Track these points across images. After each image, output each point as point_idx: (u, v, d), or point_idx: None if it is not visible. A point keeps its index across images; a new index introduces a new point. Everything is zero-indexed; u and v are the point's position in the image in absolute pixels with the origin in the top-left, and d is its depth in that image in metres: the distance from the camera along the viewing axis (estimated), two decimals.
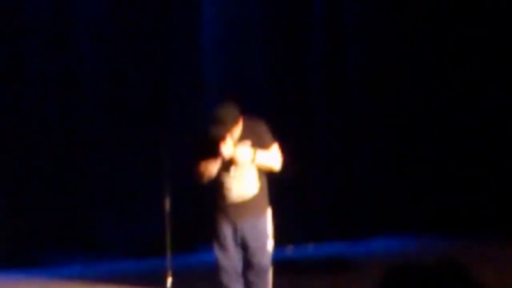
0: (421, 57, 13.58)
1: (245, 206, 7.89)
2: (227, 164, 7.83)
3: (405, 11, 13.45)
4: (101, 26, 12.03)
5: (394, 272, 3.84)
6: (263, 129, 8.15)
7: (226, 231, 7.95)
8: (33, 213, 11.77)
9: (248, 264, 7.97)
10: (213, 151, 8.05)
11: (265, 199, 7.95)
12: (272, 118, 8.38)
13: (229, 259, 8.03)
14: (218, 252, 8.06)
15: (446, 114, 13.23)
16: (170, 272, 9.69)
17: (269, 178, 8.05)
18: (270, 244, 8.05)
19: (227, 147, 7.76)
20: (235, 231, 7.94)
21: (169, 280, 9.66)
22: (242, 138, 7.85)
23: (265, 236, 7.96)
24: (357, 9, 12.93)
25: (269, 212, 8.00)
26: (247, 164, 7.83)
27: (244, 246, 7.94)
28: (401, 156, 13.24)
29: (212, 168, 7.82)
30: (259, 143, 7.87)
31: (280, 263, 9.27)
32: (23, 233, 11.73)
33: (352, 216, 12.91)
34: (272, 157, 7.90)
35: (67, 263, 11.82)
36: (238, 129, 7.77)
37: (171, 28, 12.22)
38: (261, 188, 7.91)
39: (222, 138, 7.80)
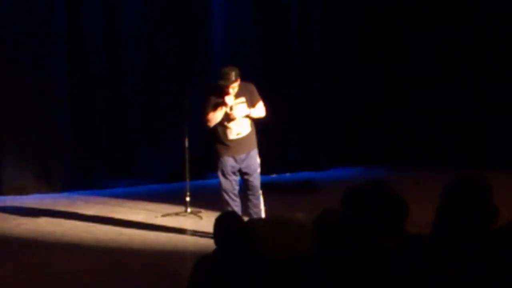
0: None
1: (241, 142, 8.13)
2: (229, 114, 7.94)
3: None
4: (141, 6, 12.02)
5: (346, 191, 3.95)
6: (253, 89, 8.74)
7: (228, 162, 8.04)
8: (91, 149, 11.81)
9: (246, 185, 8.43)
10: (219, 103, 8.46)
11: (254, 138, 8.54)
12: (260, 83, 8.63)
13: (229, 183, 8.16)
14: (221, 178, 8.32)
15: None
16: (188, 192, 9.69)
17: (257, 125, 8.21)
18: (259, 170, 8.30)
19: (229, 98, 8.28)
20: (234, 161, 8.00)
21: (187, 198, 9.69)
22: (239, 94, 8.45)
23: (256, 164, 8.42)
24: None
25: (256, 149, 8.14)
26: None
27: (242, 172, 8.39)
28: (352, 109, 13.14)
29: (218, 115, 7.99)
30: (251, 99, 8.61)
31: (268, 185, 9.99)
32: (83, 163, 11.73)
33: (319, 153, 12.92)
34: (259, 110, 8.49)
35: (114, 185, 11.81)
36: (237, 86, 7.96)
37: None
38: (252, 130, 8.47)
39: (226, 90, 8.23)
